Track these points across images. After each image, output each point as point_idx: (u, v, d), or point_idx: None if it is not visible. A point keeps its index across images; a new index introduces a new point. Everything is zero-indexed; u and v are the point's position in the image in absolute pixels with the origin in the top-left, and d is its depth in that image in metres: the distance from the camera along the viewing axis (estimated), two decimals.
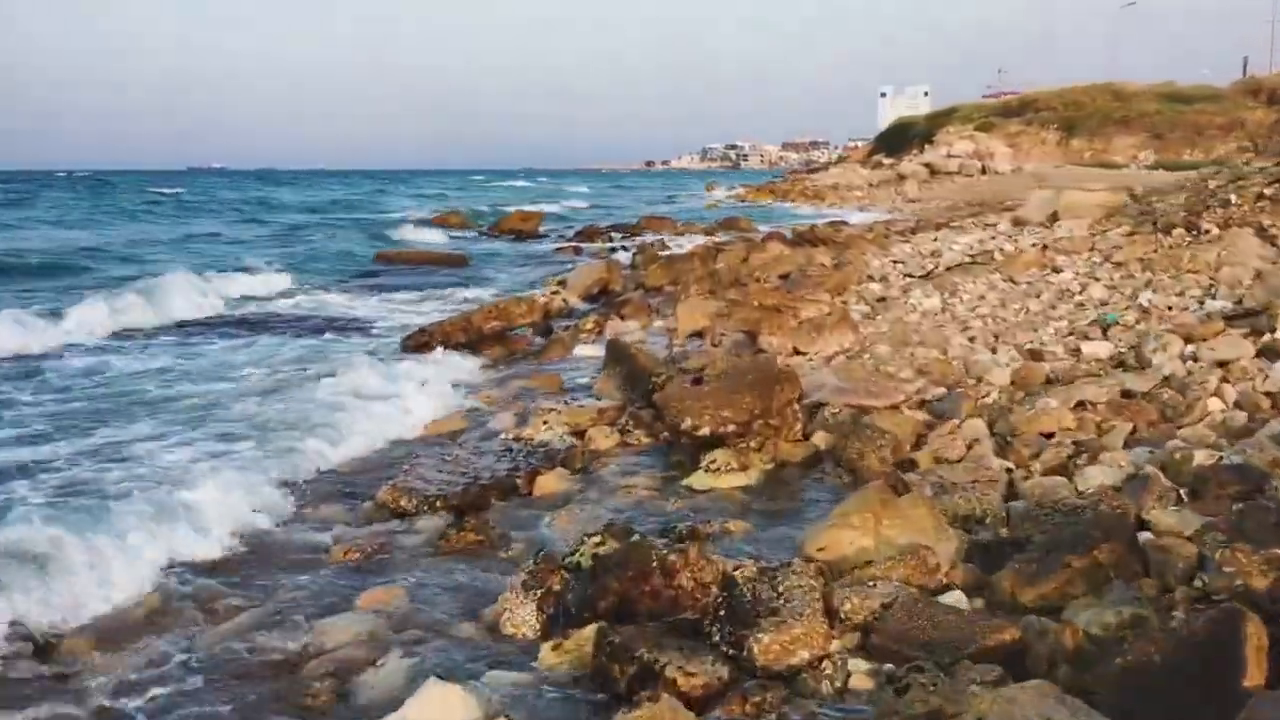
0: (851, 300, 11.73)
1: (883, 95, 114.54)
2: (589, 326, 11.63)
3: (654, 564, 3.89)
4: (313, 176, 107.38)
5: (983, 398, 7.07)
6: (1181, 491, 4.70)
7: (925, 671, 3.15)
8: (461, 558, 4.99)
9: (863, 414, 6.90)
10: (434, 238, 26.53)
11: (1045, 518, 4.41)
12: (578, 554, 4.12)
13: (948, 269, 13.00)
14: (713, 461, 5.90)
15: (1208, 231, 11.20)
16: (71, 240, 23.94)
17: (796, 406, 6.61)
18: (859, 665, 3.49)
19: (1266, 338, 7.12)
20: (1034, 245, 12.70)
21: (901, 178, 47.69)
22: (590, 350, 10.21)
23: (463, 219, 31.99)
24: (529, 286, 15.31)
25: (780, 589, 3.63)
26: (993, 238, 15.99)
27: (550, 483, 6.03)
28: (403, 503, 5.65)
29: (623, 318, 12.53)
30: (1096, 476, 5.12)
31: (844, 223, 30.19)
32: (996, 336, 8.69)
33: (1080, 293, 9.71)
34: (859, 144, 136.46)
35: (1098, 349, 7.80)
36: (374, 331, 11.98)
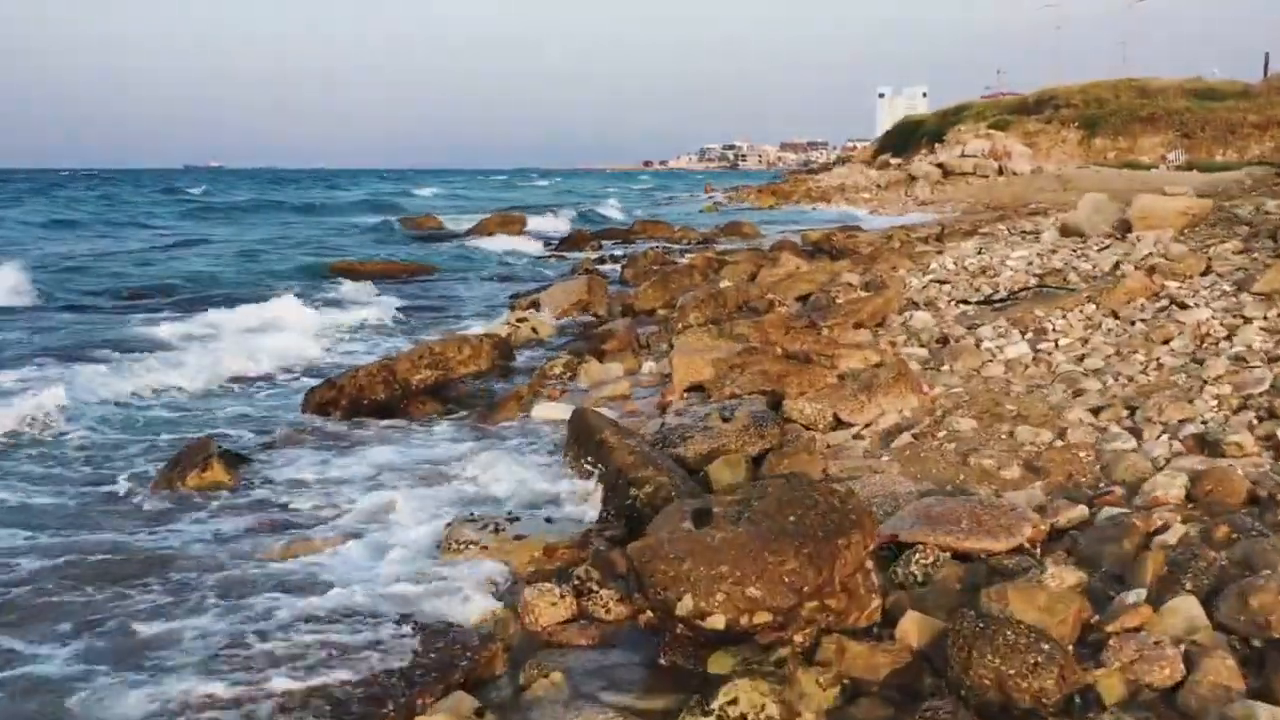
0: (898, 337, 9.06)
1: (881, 96, 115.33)
2: (557, 370, 8.96)
3: None
4: (314, 176, 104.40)
5: (1156, 530, 4.41)
6: None
7: None
8: None
9: (967, 559, 4.25)
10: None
11: None
12: None
13: (1015, 294, 10.32)
14: (731, 704, 3.20)
15: None
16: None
17: (870, 565, 3.94)
18: None
19: None
20: (1135, 266, 10.03)
21: (912, 178, 45.04)
22: (554, 412, 7.53)
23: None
24: (488, 313, 12.62)
25: None
26: (1052, 250, 13.31)
27: None
28: None
29: (604, 355, 9.88)
30: None
31: (857, 228, 27.55)
32: (1131, 410, 6.01)
33: (1228, 337, 7.04)
34: (858, 145, 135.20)
35: None
36: (279, 380, 9.28)
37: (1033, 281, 10.99)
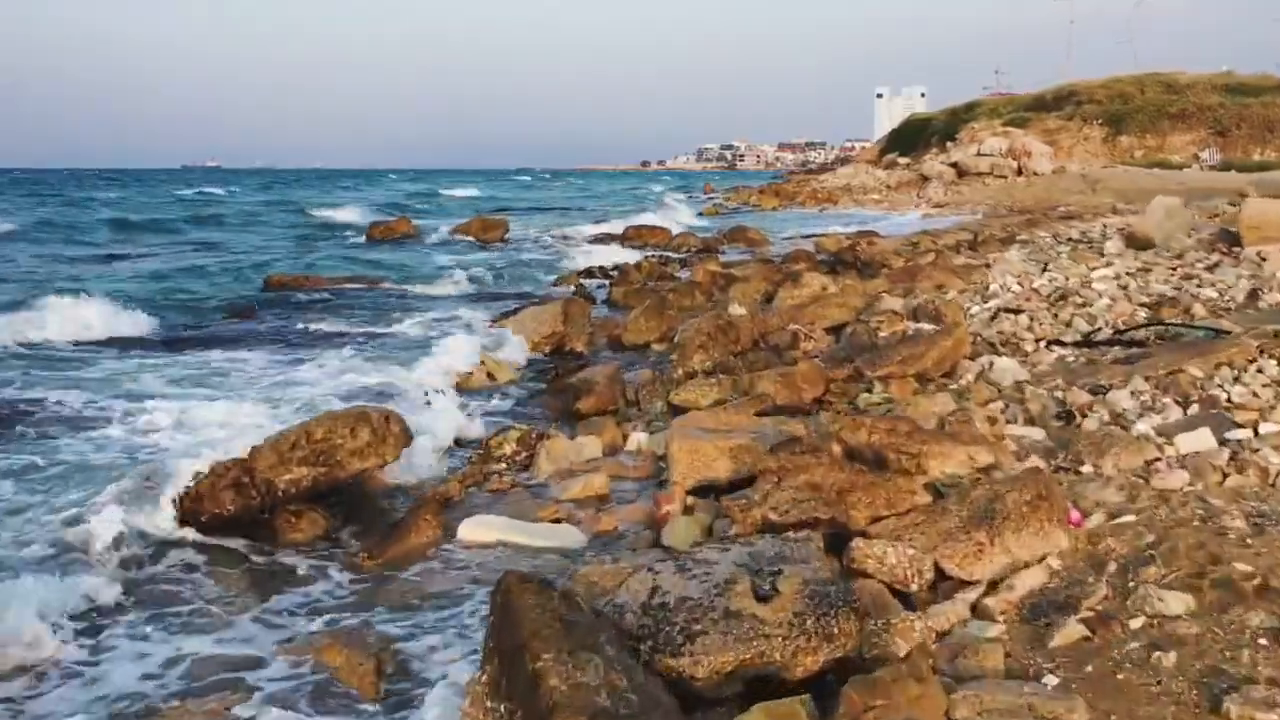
0: (984, 400, 6.44)
1: (879, 96, 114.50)
2: (506, 449, 6.35)
3: None
4: (315, 175, 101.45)
5: None
6: None
7: None
8: None
9: None
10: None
11: None
12: None
13: (1124, 333, 7.71)
14: None
15: None
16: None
17: None
18: None
19: None
20: None
21: (924, 179, 42.46)
22: (489, 532, 4.93)
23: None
24: (426, 343, 9.92)
25: None
26: (1143, 269, 10.72)
27: None
28: None
29: (577, 416, 7.30)
30: None
31: (873, 233, 24.95)
32: None
33: None
34: (856, 145, 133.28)
35: None
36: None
37: (1142, 314, 8.39)
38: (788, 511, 4.44)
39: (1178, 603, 3.57)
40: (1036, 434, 5.54)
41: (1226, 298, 8.43)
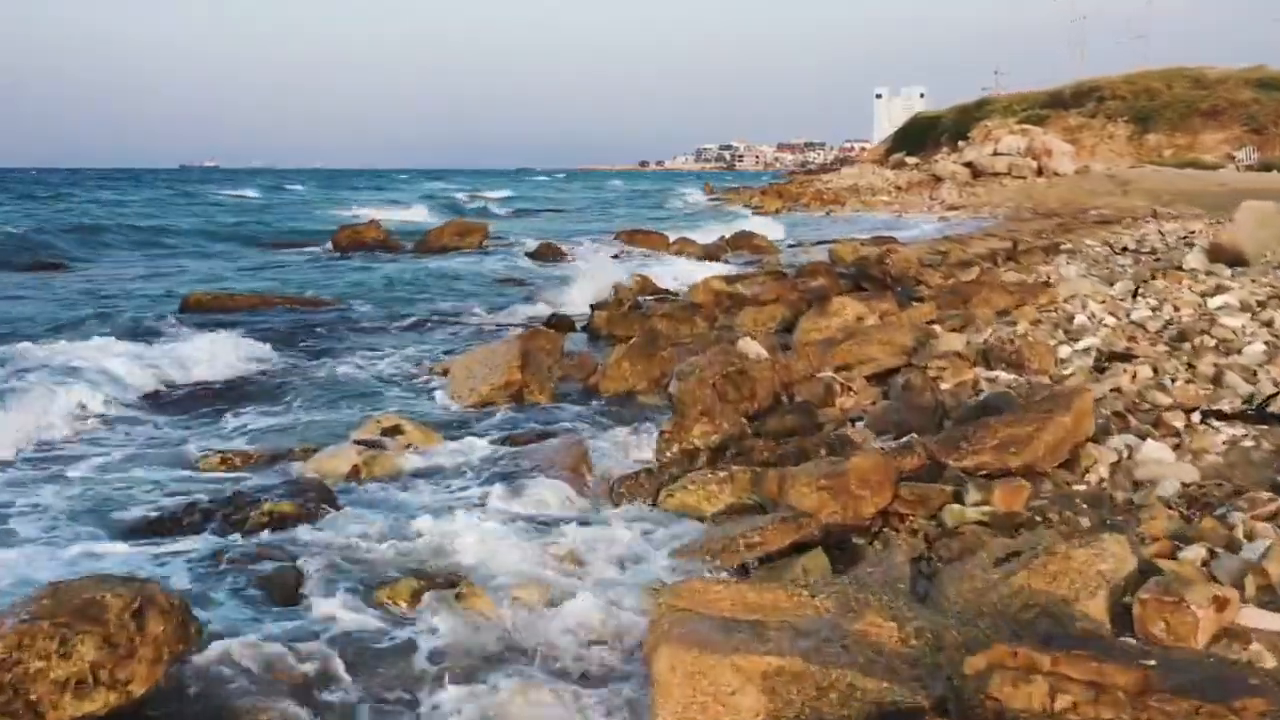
0: (1172, 533, 4.03)
1: (878, 96, 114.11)
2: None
3: None
4: (323, 175, 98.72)
5: None
6: None
7: None
8: None
9: None
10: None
11: None
12: None
13: None
14: None
15: None
16: None
17: None
18: None
19: None
20: None
21: (937, 179, 40.10)
22: None
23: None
24: (335, 407, 7.44)
25: None
26: (1275, 294, 8.31)
27: None
28: None
29: None
30: None
31: (892, 239, 22.54)
32: None
33: None
34: (856, 145, 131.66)
35: None
36: None
37: None
38: None
39: None
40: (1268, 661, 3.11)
41: None
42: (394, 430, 6.30)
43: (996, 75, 67.98)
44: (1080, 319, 8.37)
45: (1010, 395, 6.17)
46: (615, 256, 19.51)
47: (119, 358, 8.12)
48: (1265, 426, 5.19)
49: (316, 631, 3.58)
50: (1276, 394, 5.56)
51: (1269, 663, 2.97)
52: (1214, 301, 8.31)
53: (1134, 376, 6.41)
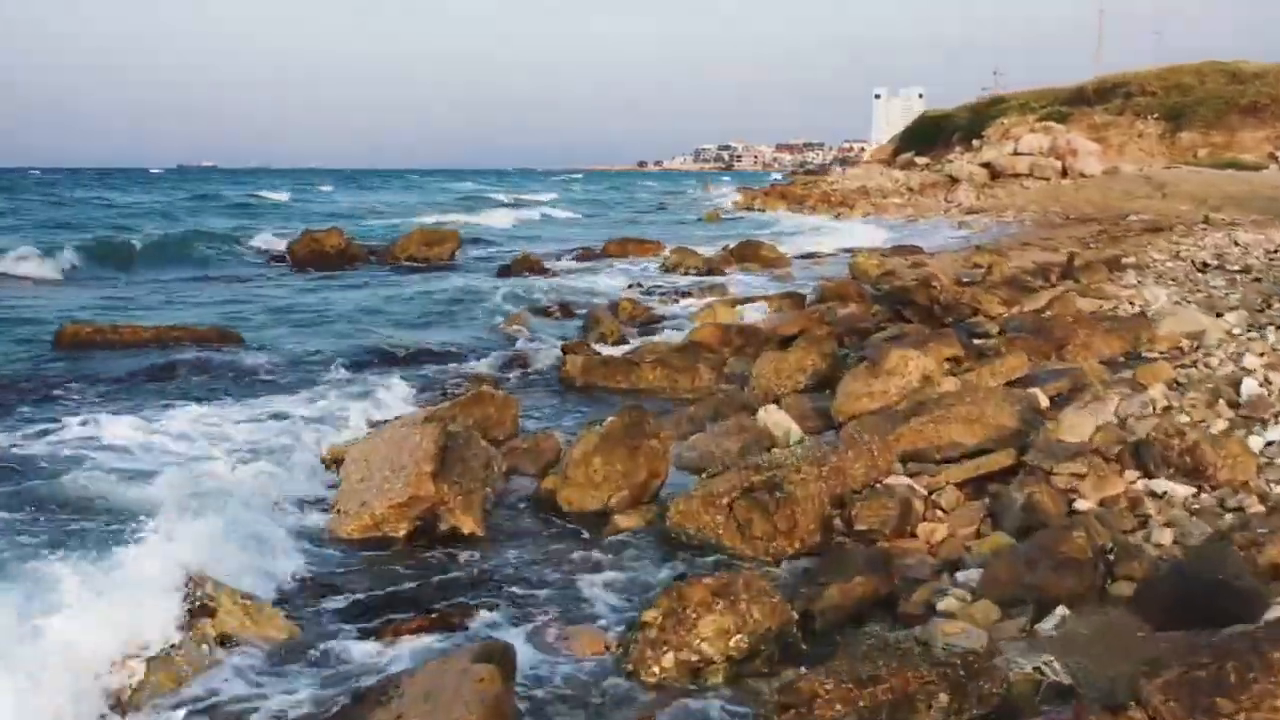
0: None
1: (877, 97, 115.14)
2: None
3: None
4: (332, 176, 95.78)
5: None
6: None
7: None
8: None
9: None
10: None
11: None
12: None
13: None
14: None
15: None
16: None
17: None
18: None
19: None
20: None
21: (953, 180, 37.56)
22: None
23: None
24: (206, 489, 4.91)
25: None
26: None
27: None
28: None
29: None
30: None
31: (917, 249, 20.06)
32: None
33: None
34: (855, 145, 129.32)
35: None
36: None
37: None
38: None
39: None
40: None
41: None
42: (203, 609, 3.76)
43: (995, 75, 65.63)
44: (1250, 386, 5.83)
45: (1230, 551, 3.66)
46: (598, 271, 16.98)
47: None
48: None
49: None
50: None
51: None
52: None
53: None
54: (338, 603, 3.98)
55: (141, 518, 4.19)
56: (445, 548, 4.62)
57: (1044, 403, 5.99)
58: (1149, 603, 3.58)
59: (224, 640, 3.67)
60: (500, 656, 3.22)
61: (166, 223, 26.56)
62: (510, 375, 8.17)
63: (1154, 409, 5.71)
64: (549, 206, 42.97)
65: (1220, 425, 5.30)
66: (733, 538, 4.48)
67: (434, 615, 3.78)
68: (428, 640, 3.57)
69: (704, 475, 4.91)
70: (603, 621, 3.76)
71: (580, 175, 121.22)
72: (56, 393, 7.64)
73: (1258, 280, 11.65)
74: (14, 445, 6.10)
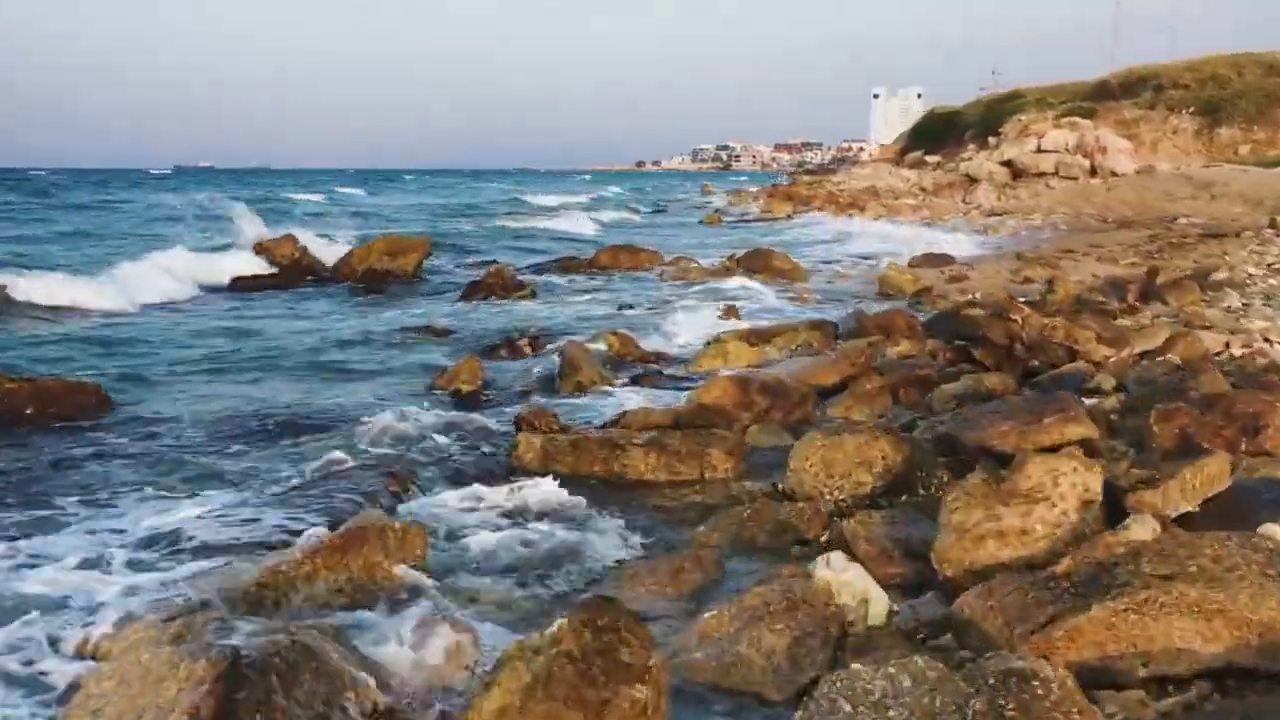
0: None
1: (875, 96, 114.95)
2: None
3: None
4: (329, 175, 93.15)
5: None
6: None
7: None
8: None
9: None
10: None
11: None
12: None
13: None
14: None
15: None
16: None
17: None
18: None
19: None
20: None
21: (971, 180, 35.10)
22: None
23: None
24: None
25: None
26: None
27: None
28: None
29: None
30: None
31: (948, 258, 17.60)
32: None
33: None
34: (854, 145, 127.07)
35: None
36: None
37: None
38: None
39: None
40: None
41: None
42: None
43: (994, 75, 63.25)
44: None
45: None
46: (582, 288, 14.48)
47: None
48: None
49: None
50: None
51: None
52: None
53: None
54: None
55: None
56: None
57: None
58: None
59: None
60: None
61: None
62: (431, 466, 5.65)
63: None
64: (613, 208, 40.67)
65: None
66: None
67: None
68: None
69: None
70: None
71: (589, 175, 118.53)
72: None
73: None
74: None
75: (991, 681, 2.83)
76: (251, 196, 34.69)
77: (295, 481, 5.38)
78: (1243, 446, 4.99)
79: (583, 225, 30.02)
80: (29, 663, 3.47)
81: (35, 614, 3.73)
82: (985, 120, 45.50)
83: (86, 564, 4.30)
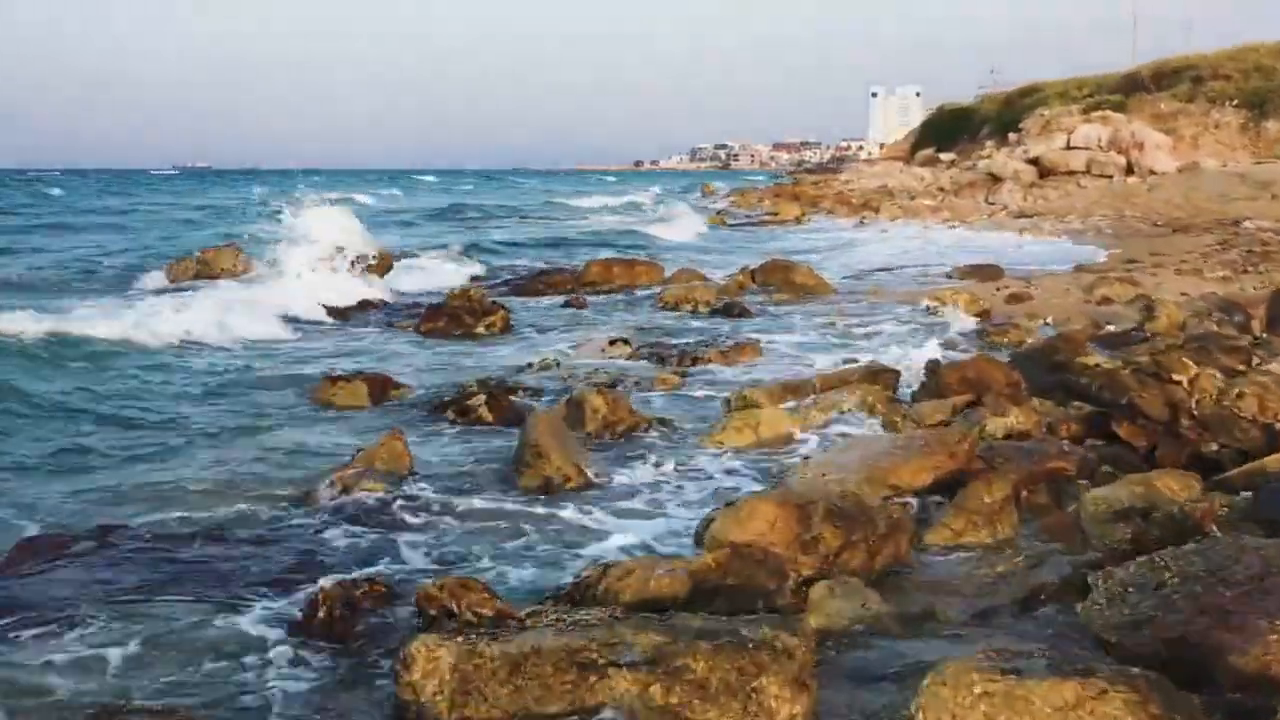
0: None
1: (874, 95, 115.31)
2: None
3: None
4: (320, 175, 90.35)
5: None
6: None
7: None
8: None
9: None
10: None
11: None
12: None
13: None
14: None
15: None
16: None
17: None
18: None
19: None
20: None
21: (994, 179, 32.57)
22: None
23: None
24: None
25: None
26: None
27: None
28: None
29: None
30: None
31: (997, 270, 15.05)
32: None
33: None
34: (853, 144, 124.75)
35: None
36: None
37: None
38: None
39: None
40: None
41: None
42: None
43: (993, 73, 60.81)
44: None
45: None
46: (564, 319, 11.92)
47: None
48: None
49: None
50: None
51: None
52: None
53: None
54: None
55: None
56: None
57: None
58: None
59: None
60: None
61: None
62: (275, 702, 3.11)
63: None
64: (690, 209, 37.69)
65: None
66: None
67: None
68: None
69: None
70: None
71: (614, 177, 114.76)
72: None
73: None
74: None
75: None
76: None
77: None
78: None
79: (679, 233, 25.90)
80: None
81: None
82: (1002, 116, 43.02)
83: None
